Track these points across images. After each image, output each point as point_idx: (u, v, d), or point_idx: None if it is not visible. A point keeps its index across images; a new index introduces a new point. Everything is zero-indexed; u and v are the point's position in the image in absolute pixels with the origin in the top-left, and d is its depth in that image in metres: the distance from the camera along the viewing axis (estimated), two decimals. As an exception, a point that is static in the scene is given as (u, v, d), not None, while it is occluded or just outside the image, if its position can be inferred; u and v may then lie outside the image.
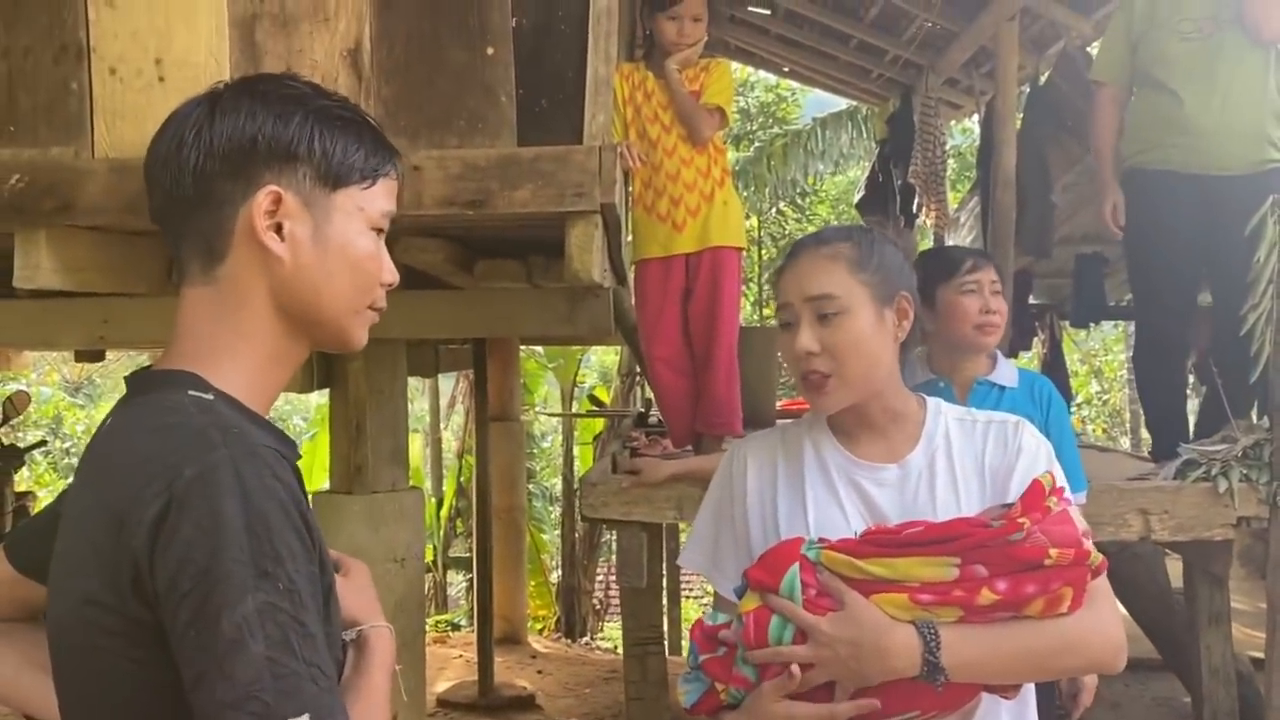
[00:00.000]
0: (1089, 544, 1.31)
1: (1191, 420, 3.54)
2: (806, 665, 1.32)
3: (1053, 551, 1.27)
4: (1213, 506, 2.81)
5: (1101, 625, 1.34)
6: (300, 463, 1.07)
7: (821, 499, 1.49)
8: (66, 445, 14.23)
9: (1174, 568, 4.22)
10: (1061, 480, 1.40)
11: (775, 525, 1.50)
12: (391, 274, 1.13)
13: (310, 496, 1.03)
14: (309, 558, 0.94)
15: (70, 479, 1.29)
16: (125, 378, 1.09)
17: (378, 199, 1.10)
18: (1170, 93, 3.24)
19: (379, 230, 1.11)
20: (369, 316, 1.13)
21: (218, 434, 0.95)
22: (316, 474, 8.55)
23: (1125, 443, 11.99)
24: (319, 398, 11.59)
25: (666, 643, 4.98)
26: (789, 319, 1.50)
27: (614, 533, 11.51)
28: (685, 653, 1.51)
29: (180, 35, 2.22)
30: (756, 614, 1.36)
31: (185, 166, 1.04)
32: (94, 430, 1.09)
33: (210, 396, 1.01)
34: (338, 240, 1.07)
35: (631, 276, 3.41)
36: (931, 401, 1.54)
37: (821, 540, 1.38)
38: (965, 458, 1.48)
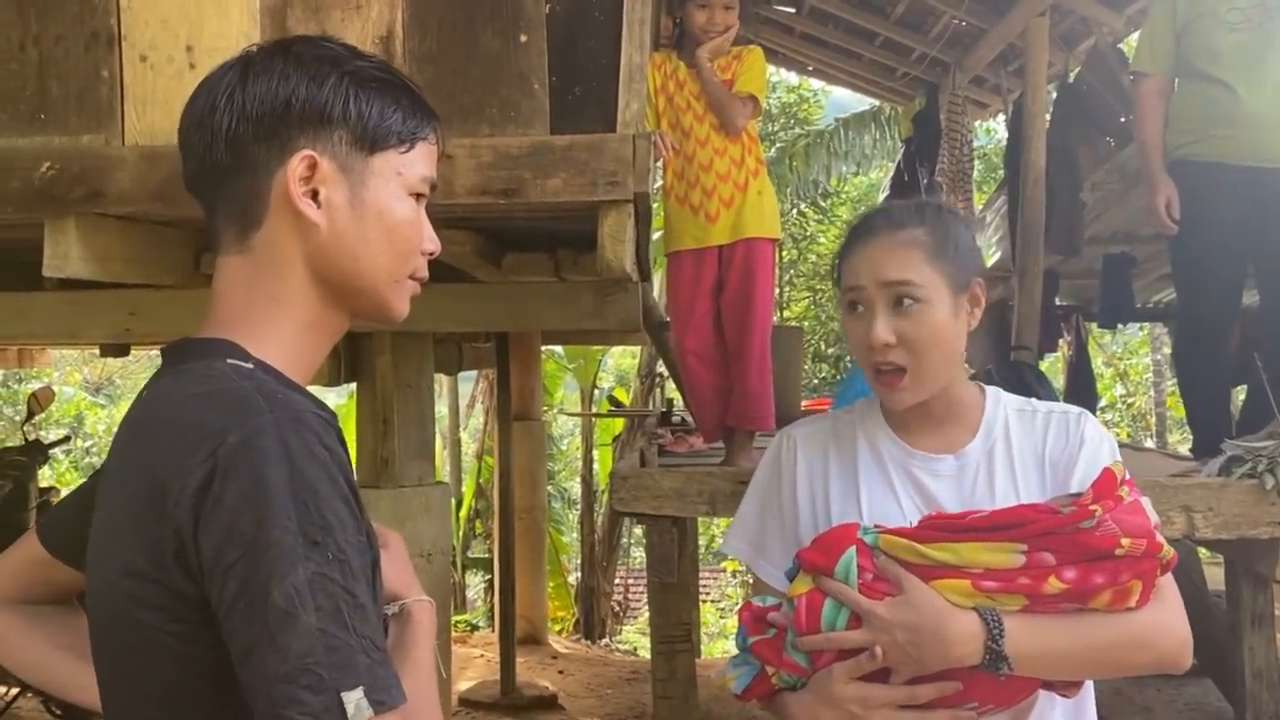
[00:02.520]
0: (1160, 536, 1.26)
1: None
2: (860, 650, 1.28)
3: (1125, 541, 1.22)
4: (1258, 504, 2.74)
5: (1169, 621, 1.29)
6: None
7: (876, 490, 1.44)
8: (87, 444, 14.32)
9: (1212, 573, 4.15)
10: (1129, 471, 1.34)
11: (827, 515, 1.45)
12: (433, 242, 1.10)
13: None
14: (357, 527, 0.91)
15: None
16: (161, 349, 1.06)
17: (416, 163, 1.07)
18: (1221, 84, 3.18)
19: (419, 196, 1.08)
20: (410, 286, 1.09)
21: (261, 399, 0.92)
22: (338, 473, 8.53)
23: (1150, 445, 11.87)
24: (336, 397, 11.62)
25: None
26: (858, 301, 1.41)
27: (632, 536, 11.48)
28: (734, 637, 1.47)
29: (211, 22, 2.20)
30: (809, 598, 1.31)
31: (218, 131, 1.02)
32: (116, 427, 1.05)
33: (250, 365, 0.98)
34: (375, 206, 1.04)
35: (662, 269, 3.39)
36: (991, 390, 1.49)
37: (878, 526, 1.34)
38: (1025, 449, 1.42)
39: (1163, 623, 1.29)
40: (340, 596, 0.86)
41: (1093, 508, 1.23)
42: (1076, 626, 1.25)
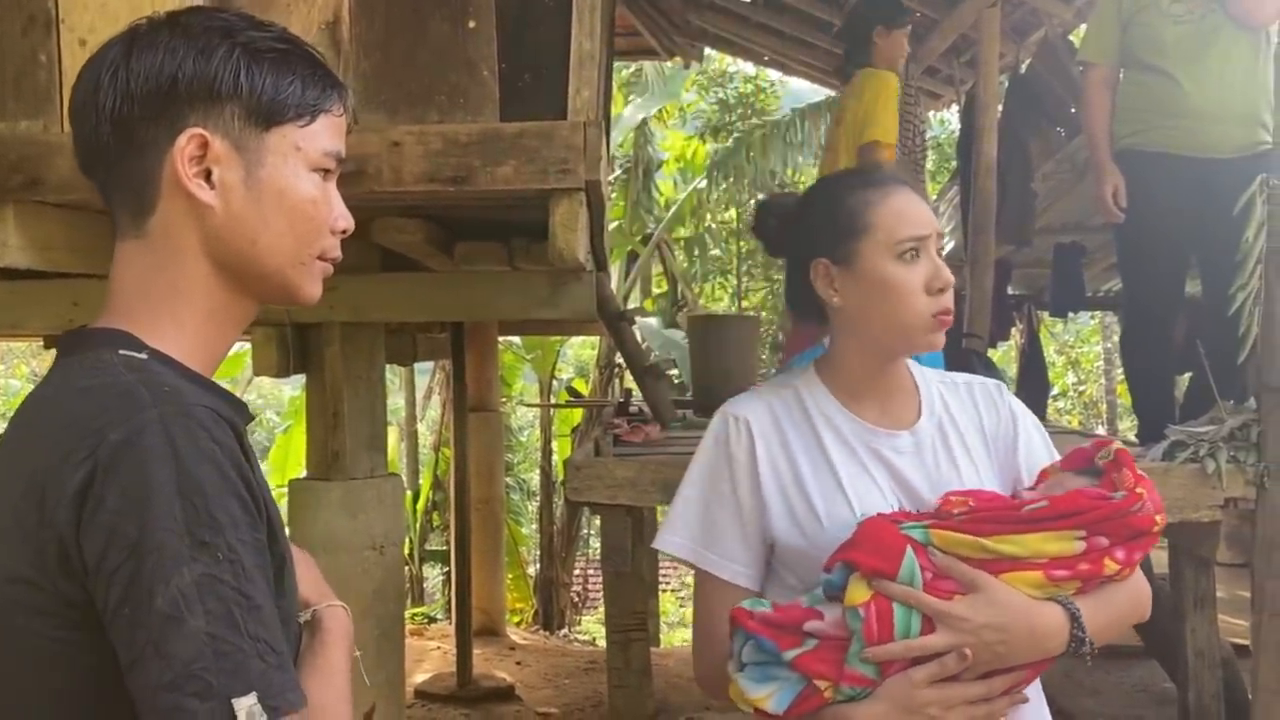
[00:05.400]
0: None
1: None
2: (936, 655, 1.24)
3: (1158, 519, 1.31)
4: (1200, 488, 2.80)
5: (1143, 580, 1.38)
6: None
7: (853, 470, 1.39)
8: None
9: (1155, 556, 4.22)
10: None
11: (805, 498, 1.38)
12: (345, 219, 1.04)
13: (260, 475, 0.96)
14: (253, 525, 0.87)
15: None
16: (57, 339, 1.02)
17: (318, 137, 1.01)
18: (1166, 75, 3.24)
19: (324, 172, 1.03)
20: (319, 268, 1.03)
21: (147, 393, 0.87)
22: (292, 467, 8.47)
23: (1101, 432, 12.06)
24: (292, 390, 11.48)
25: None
26: (918, 249, 1.39)
27: (591, 527, 11.49)
28: (733, 646, 1.31)
29: (151, 6, 2.15)
30: (877, 605, 1.24)
31: (103, 112, 0.96)
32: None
33: (143, 355, 0.94)
34: (273, 184, 0.98)
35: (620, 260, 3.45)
36: (912, 364, 1.48)
37: (907, 515, 1.33)
38: (966, 423, 1.44)
39: (1141, 581, 1.37)
40: (232, 599, 0.82)
41: (1139, 491, 1.30)
42: (1114, 599, 1.32)
